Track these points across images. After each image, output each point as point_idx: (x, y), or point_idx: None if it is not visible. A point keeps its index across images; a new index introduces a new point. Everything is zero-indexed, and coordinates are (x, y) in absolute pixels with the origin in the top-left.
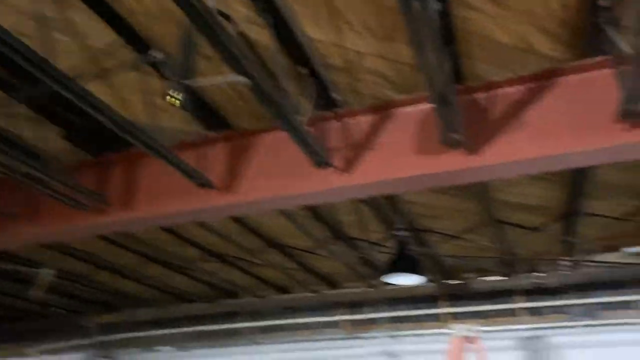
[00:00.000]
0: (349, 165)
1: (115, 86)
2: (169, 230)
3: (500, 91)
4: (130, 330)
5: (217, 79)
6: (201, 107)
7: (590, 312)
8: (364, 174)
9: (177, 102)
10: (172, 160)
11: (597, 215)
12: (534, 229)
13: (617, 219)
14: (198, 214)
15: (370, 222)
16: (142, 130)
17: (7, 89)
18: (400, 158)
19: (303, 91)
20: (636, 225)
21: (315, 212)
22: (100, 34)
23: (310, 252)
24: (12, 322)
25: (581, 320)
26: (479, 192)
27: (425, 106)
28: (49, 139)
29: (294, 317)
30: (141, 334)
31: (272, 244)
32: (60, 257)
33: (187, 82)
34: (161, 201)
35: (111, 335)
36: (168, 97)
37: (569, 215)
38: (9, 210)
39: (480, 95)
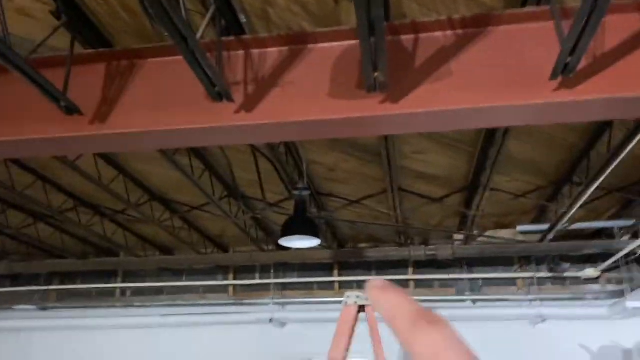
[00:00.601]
0: (250, 102)
1: None
2: (33, 172)
3: (427, 35)
4: None
5: None
6: (77, 18)
7: (477, 286)
8: (267, 114)
9: None
10: (33, 77)
11: (497, 190)
12: (435, 200)
13: (514, 195)
14: (60, 144)
15: (269, 180)
16: None
17: None
18: (310, 99)
19: (204, 9)
20: (531, 203)
21: (209, 166)
22: None
23: (200, 210)
24: None
25: (468, 295)
26: (386, 158)
27: (345, 44)
28: None
29: (176, 280)
30: None
31: (157, 197)
32: None
33: None
34: (13, 125)
35: None
36: None
37: (471, 188)
38: None
39: (406, 37)
